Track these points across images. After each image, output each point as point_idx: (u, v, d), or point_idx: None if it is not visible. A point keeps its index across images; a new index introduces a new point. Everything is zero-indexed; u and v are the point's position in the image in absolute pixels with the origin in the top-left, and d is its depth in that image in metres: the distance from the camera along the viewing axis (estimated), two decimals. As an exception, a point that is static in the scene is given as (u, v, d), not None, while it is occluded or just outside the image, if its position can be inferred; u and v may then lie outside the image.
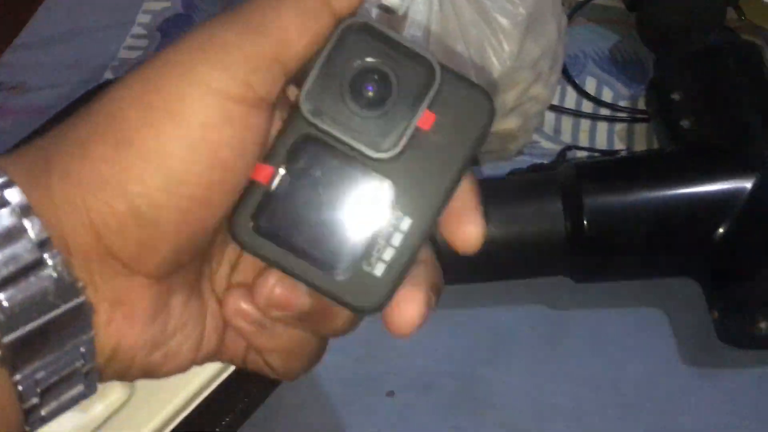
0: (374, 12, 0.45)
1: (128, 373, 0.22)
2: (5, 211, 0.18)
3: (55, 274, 0.19)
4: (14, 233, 0.18)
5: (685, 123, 0.46)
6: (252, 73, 0.20)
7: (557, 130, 0.55)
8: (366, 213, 0.22)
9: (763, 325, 0.41)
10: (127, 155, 0.20)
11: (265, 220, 0.22)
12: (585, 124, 0.55)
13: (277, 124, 0.22)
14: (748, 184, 0.41)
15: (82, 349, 0.20)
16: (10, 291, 0.18)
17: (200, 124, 0.20)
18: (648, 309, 0.46)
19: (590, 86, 0.57)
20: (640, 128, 0.54)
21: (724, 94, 0.45)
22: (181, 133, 0.20)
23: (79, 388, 0.20)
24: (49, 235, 0.19)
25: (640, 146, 0.53)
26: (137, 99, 0.20)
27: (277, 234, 0.22)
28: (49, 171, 0.19)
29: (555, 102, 0.55)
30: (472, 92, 0.23)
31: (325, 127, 0.22)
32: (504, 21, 0.47)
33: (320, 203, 0.22)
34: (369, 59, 0.22)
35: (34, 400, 0.19)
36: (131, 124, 0.20)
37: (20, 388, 0.19)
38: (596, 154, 0.53)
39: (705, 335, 0.43)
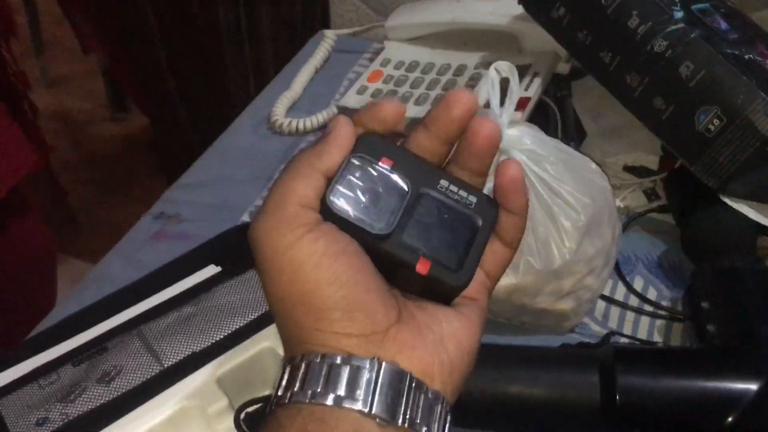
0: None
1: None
2: None
3: None
4: None
5: (710, 328, 0.55)
6: (297, 220, 0.30)
7: (605, 317, 0.64)
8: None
9: None
10: None
11: (451, 260, 0.32)
12: (630, 315, 0.64)
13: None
14: (754, 386, 0.49)
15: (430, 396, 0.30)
16: None
17: (309, 254, 0.30)
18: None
19: (638, 284, 0.67)
20: (677, 326, 0.63)
21: (743, 309, 0.54)
22: (306, 271, 0.30)
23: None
24: None
25: (675, 342, 0.62)
26: (277, 285, 0.31)
27: (459, 253, 0.32)
28: None
29: (606, 293, 0.66)
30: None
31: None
32: (567, 224, 0.58)
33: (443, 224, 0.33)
34: (369, 179, 0.32)
35: None
36: (286, 296, 0.31)
37: None
38: (636, 343, 0.62)
39: None
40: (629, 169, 0.75)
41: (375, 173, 0.32)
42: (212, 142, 0.84)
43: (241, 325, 0.58)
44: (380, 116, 0.33)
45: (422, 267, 0.31)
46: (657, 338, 0.62)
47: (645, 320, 0.64)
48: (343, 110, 0.82)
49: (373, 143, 0.32)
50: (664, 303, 0.65)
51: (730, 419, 0.49)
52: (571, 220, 0.58)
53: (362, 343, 0.30)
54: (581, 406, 0.52)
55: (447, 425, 0.31)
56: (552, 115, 0.76)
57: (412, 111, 0.77)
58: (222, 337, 0.58)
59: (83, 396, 0.55)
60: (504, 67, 0.61)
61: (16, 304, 1.06)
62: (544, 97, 0.76)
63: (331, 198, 0.31)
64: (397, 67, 0.83)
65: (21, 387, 0.56)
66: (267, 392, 0.53)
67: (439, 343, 0.31)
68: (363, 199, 0.31)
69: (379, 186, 0.32)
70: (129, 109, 2.20)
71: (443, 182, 0.33)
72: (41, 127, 1.07)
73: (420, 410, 0.29)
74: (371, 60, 0.89)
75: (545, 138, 0.62)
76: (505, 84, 0.61)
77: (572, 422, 0.52)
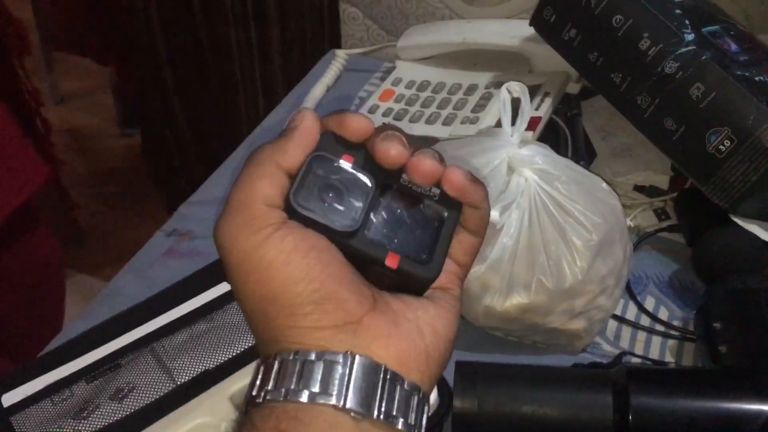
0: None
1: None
2: None
3: None
4: None
5: (722, 348, 0.55)
6: (264, 219, 0.30)
7: (617, 337, 0.64)
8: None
9: None
10: None
11: (420, 252, 0.32)
12: (642, 335, 0.64)
13: None
14: (767, 407, 0.49)
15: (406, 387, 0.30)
16: None
17: (278, 253, 0.30)
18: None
19: (649, 304, 0.67)
20: (689, 346, 0.63)
21: (756, 330, 0.54)
22: (276, 269, 0.29)
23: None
24: None
25: (687, 362, 0.62)
26: (248, 285, 0.31)
27: (427, 246, 0.32)
28: None
29: (618, 313, 0.66)
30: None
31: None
32: (579, 243, 0.59)
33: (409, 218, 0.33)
34: (331, 177, 0.32)
35: None
36: (257, 297, 0.31)
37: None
38: (648, 363, 0.62)
39: None
40: (639, 188, 0.75)
41: (337, 171, 0.32)
42: (215, 159, 0.85)
43: (254, 342, 0.59)
44: (349, 128, 0.32)
45: (391, 261, 0.31)
46: (669, 358, 0.62)
47: (657, 340, 0.64)
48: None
49: (335, 141, 0.32)
50: (676, 323, 0.65)
51: (744, 440, 0.49)
52: (582, 240, 0.58)
53: (335, 334, 0.30)
54: (594, 427, 0.52)
55: (424, 415, 0.31)
56: (562, 135, 0.77)
57: (423, 130, 0.78)
58: (235, 354, 0.58)
59: (96, 413, 0.55)
60: (515, 88, 0.62)
61: (24, 318, 1.06)
62: (554, 117, 0.77)
63: (295, 198, 0.31)
64: (408, 86, 0.84)
65: (34, 403, 0.56)
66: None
67: (415, 331, 0.31)
68: (327, 197, 0.31)
69: (342, 183, 0.32)
70: (138, 125, 2.21)
71: (405, 176, 0.32)
72: (54, 143, 1.08)
73: (396, 402, 0.29)
74: (382, 79, 0.90)
75: (556, 157, 0.63)
76: (516, 104, 0.62)
77: (585, 443, 0.52)
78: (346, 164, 0.32)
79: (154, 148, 1.58)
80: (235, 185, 0.32)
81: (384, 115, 0.80)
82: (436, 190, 0.32)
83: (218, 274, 0.67)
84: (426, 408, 0.31)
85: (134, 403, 0.55)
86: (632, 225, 0.72)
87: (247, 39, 1.24)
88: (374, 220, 0.32)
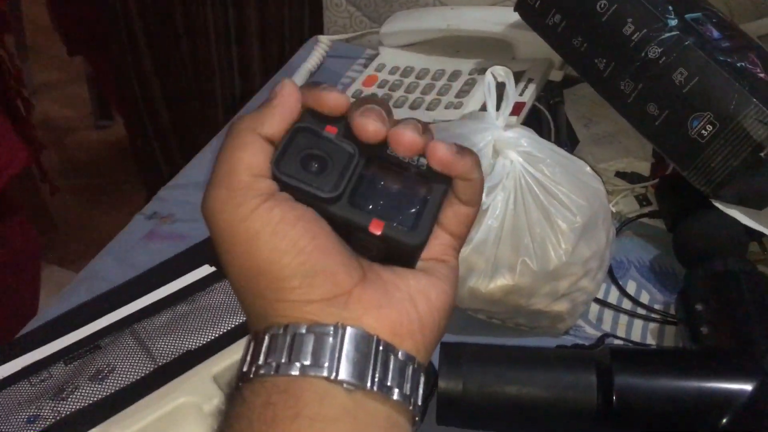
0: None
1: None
2: None
3: None
4: None
5: (704, 329, 0.56)
6: (250, 189, 0.30)
7: (599, 320, 0.65)
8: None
9: None
10: None
11: (406, 220, 0.32)
12: (623, 318, 0.65)
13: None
14: (749, 386, 0.49)
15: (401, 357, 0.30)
16: None
17: (265, 224, 0.29)
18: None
19: (631, 288, 0.67)
20: (670, 329, 0.64)
21: (736, 311, 0.55)
22: (264, 241, 0.29)
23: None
24: None
25: (668, 345, 0.63)
26: (234, 258, 0.30)
27: (414, 214, 0.32)
28: None
29: (600, 296, 0.66)
30: None
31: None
32: (563, 225, 0.59)
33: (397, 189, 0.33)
34: (315, 146, 0.31)
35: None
36: (244, 269, 0.30)
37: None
38: (630, 345, 0.62)
39: None
40: (621, 175, 0.75)
41: (321, 140, 0.31)
42: (194, 146, 0.84)
43: (237, 323, 0.58)
44: (325, 105, 0.32)
45: (375, 227, 0.31)
46: (650, 341, 0.63)
47: (638, 323, 0.64)
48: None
49: (318, 113, 0.32)
50: (657, 306, 0.65)
51: (725, 420, 0.49)
52: (567, 222, 0.59)
53: (325, 307, 0.29)
54: (578, 407, 0.52)
55: (420, 386, 0.30)
56: (545, 122, 0.77)
57: (407, 115, 0.77)
58: (218, 335, 0.57)
59: (75, 394, 0.54)
60: (500, 72, 0.62)
61: (-1, 304, 1.04)
62: (537, 104, 0.77)
63: (278, 165, 0.31)
64: (392, 72, 0.84)
65: (11, 384, 0.55)
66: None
67: (408, 301, 0.30)
68: (310, 165, 0.31)
69: (327, 152, 0.31)
70: (113, 116, 2.18)
71: (389, 152, 0.32)
72: (35, 125, 1.06)
73: (390, 372, 0.29)
74: (365, 65, 0.90)
75: (541, 141, 0.63)
76: (500, 89, 0.62)
77: (569, 422, 0.52)
78: (329, 134, 0.32)
79: (135, 135, 1.56)
80: (218, 157, 0.31)
81: (367, 100, 0.80)
82: (423, 160, 0.32)
83: (201, 256, 0.66)
84: (421, 378, 0.30)
85: (114, 384, 0.54)
86: (614, 211, 0.72)
87: (225, 22, 1.23)
88: (359, 188, 0.32)
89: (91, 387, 0.54)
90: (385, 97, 0.80)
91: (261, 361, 0.28)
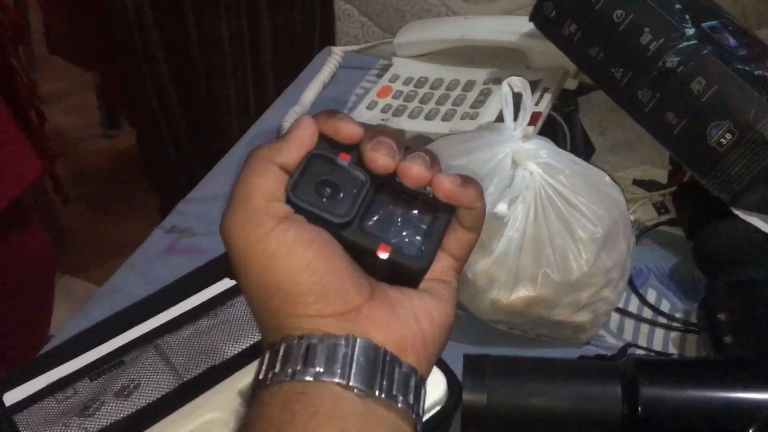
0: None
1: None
2: None
3: None
4: None
5: (727, 339, 0.56)
6: (266, 213, 0.32)
7: (620, 329, 0.65)
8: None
9: None
10: None
11: (412, 245, 0.34)
12: (644, 327, 0.65)
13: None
14: (776, 396, 0.50)
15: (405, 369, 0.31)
16: None
17: (280, 244, 0.31)
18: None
19: (651, 296, 0.67)
20: (691, 338, 0.64)
21: (760, 320, 0.55)
22: (279, 261, 0.31)
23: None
24: None
25: (690, 353, 0.62)
26: (252, 278, 0.32)
27: (420, 239, 0.34)
28: None
29: (621, 305, 0.66)
30: None
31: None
32: (584, 236, 0.59)
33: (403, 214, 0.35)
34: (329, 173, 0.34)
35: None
36: (261, 286, 0.32)
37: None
38: (652, 354, 0.62)
39: None
40: (638, 183, 0.76)
41: (335, 167, 0.34)
42: (210, 153, 0.84)
43: (260, 337, 0.58)
44: (340, 134, 0.34)
45: (383, 252, 0.33)
46: (672, 350, 0.63)
47: (659, 332, 0.64)
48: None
49: (333, 141, 0.34)
50: (678, 315, 0.65)
51: (751, 430, 0.49)
52: (588, 232, 0.59)
53: (337, 321, 0.31)
54: (604, 418, 0.52)
55: (421, 397, 0.32)
56: (560, 131, 0.77)
57: (423, 125, 0.78)
58: (241, 349, 0.57)
59: (102, 410, 0.54)
60: (517, 83, 0.62)
61: (13, 317, 1.04)
62: (552, 113, 0.77)
63: (294, 190, 0.33)
64: (406, 82, 0.84)
65: (37, 402, 0.55)
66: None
67: (412, 318, 0.33)
68: (324, 191, 0.33)
69: (339, 179, 0.33)
70: (121, 126, 2.19)
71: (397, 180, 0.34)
72: (48, 137, 1.07)
73: (395, 382, 0.31)
74: (379, 76, 0.90)
75: (560, 151, 0.63)
76: (517, 99, 0.62)
77: (595, 434, 0.52)
78: (343, 162, 0.34)
79: (149, 146, 1.56)
80: (236, 183, 0.33)
81: (383, 111, 0.80)
82: (429, 189, 0.34)
83: (220, 270, 0.66)
84: (423, 390, 0.33)
85: (140, 400, 0.54)
86: (632, 219, 0.72)
87: (239, 31, 1.23)
88: (369, 214, 0.34)
89: (117, 403, 0.54)
90: (400, 108, 0.80)
91: (278, 368, 0.31)
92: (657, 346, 0.63)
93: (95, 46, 1.57)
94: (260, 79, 1.28)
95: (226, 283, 0.65)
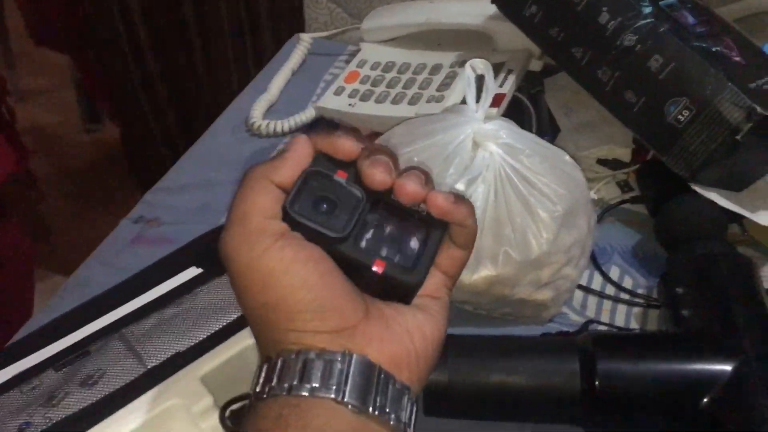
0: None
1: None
2: None
3: None
4: None
5: (685, 312, 0.56)
6: (264, 231, 0.33)
7: (583, 306, 0.66)
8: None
9: (740, 486, 0.49)
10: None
11: (405, 261, 0.35)
12: (607, 304, 0.65)
13: None
14: (729, 367, 0.50)
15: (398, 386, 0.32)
16: None
17: (278, 262, 0.32)
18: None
19: (614, 273, 0.68)
20: (653, 313, 0.64)
21: (717, 294, 0.55)
22: (277, 278, 0.32)
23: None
24: None
25: (652, 328, 0.63)
26: (249, 294, 0.33)
27: (412, 255, 0.35)
28: None
29: (583, 283, 0.67)
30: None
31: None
32: (544, 214, 0.59)
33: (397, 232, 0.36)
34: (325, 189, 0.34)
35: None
36: (259, 303, 0.33)
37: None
38: (614, 330, 0.63)
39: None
40: (602, 162, 0.76)
41: (332, 184, 0.34)
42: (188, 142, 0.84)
43: (225, 324, 0.59)
44: (338, 150, 0.35)
45: (378, 267, 0.34)
46: (634, 325, 0.64)
47: (622, 308, 0.65)
48: (322, 111, 0.82)
49: (330, 159, 0.35)
50: (640, 291, 0.66)
51: (706, 400, 0.50)
52: (547, 211, 0.59)
53: (334, 338, 0.32)
54: (562, 393, 0.52)
55: (413, 415, 0.33)
56: (526, 112, 0.78)
57: (390, 110, 0.78)
58: (205, 336, 0.58)
59: (66, 400, 0.54)
60: (479, 65, 0.62)
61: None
62: (518, 94, 0.77)
63: (291, 205, 0.33)
64: (373, 67, 0.84)
65: (2, 393, 0.56)
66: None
67: (405, 334, 0.33)
68: (320, 207, 0.34)
69: (336, 195, 0.34)
70: (102, 121, 2.18)
71: (392, 200, 0.35)
72: (20, 132, 1.06)
73: (389, 399, 0.32)
74: (347, 62, 0.90)
75: (521, 132, 0.63)
76: (480, 81, 0.62)
77: (554, 409, 0.53)
78: (340, 179, 0.35)
79: (134, 139, 1.55)
80: (234, 201, 0.34)
81: (350, 96, 0.80)
82: (424, 206, 0.35)
83: (187, 259, 0.66)
84: (415, 408, 0.33)
85: (105, 389, 0.55)
86: (596, 197, 0.73)
87: (237, 13, 1.22)
88: (365, 230, 0.35)
89: (81, 393, 0.55)
90: (367, 93, 0.80)
91: (274, 382, 0.31)
92: (619, 322, 0.64)
93: (75, 28, 1.55)
94: (222, 66, 1.27)
95: (192, 272, 0.65)
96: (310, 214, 0.34)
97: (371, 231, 0.35)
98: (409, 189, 0.34)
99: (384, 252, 0.34)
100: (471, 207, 0.36)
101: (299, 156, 0.34)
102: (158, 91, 1.44)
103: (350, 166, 0.35)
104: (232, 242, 0.33)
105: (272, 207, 0.33)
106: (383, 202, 0.35)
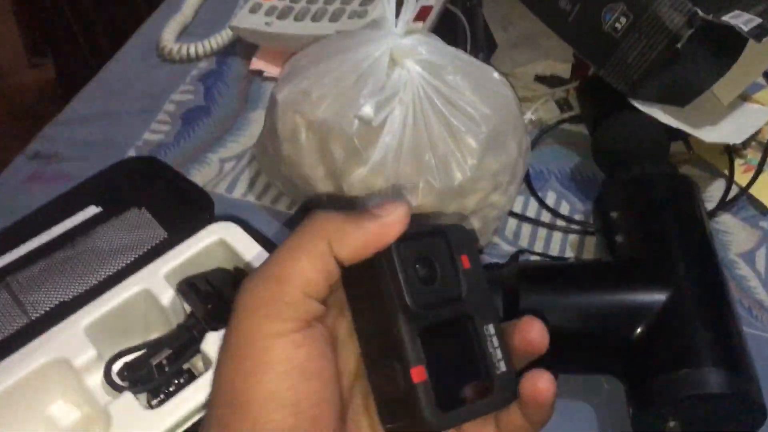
0: (355, 123, 0.53)
1: None
2: None
3: None
4: None
5: (619, 238, 0.52)
6: (295, 311, 0.27)
7: (517, 235, 0.61)
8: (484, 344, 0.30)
9: (671, 423, 0.45)
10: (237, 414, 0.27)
11: (443, 400, 0.28)
12: (542, 232, 0.61)
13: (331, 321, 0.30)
14: (662, 296, 0.46)
15: None
16: None
17: (283, 359, 0.27)
18: (575, 403, 0.51)
19: (550, 199, 0.63)
20: (590, 240, 0.60)
21: (652, 218, 0.51)
22: (271, 377, 0.26)
23: None
24: None
25: (588, 256, 0.59)
26: (234, 365, 0.27)
27: (455, 402, 0.29)
28: None
29: (518, 210, 0.62)
30: (465, 232, 0.31)
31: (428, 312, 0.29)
32: (468, 138, 0.54)
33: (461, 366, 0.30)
34: (418, 266, 0.29)
35: None
36: (235, 387, 0.27)
37: None
38: (547, 259, 0.59)
39: (628, 430, 0.47)
40: (540, 79, 0.70)
41: (448, 263, 0.30)
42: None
43: (118, 269, 0.53)
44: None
45: (417, 375, 0.28)
46: (569, 254, 0.60)
47: (557, 236, 0.61)
48: (237, 31, 0.75)
49: (464, 237, 0.31)
50: (577, 217, 0.62)
51: (639, 330, 0.46)
52: (471, 134, 0.54)
53: None
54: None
55: None
56: (460, 27, 0.71)
57: (309, 27, 0.71)
58: (96, 283, 0.52)
59: (-57, 356, 0.49)
60: (399, -27, 0.55)
61: None
62: (451, 7, 0.71)
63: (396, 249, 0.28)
64: (293, -19, 0.76)
65: None
66: (140, 341, 0.49)
67: None
68: (419, 272, 0.29)
69: (441, 277, 0.29)
70: (47, 54, 2.06)
71: (492, 328, 0.31)
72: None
73: None
74: (267, -23, 0.82)
75: (443, 47, 0.57)
76: (403, -7, 0.56)
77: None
78: (460, 264, 0.30)
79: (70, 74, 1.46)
80: (281, 248, 0.28)
81: (266, 14, 0.73)
82: (503, 366, 0.30)
83: (86, 197, 0.61)
84: None
85: (-16, 343, 0.50)
86: (533, 118, 0.68)
87: None
88: (437, 333, 0.29)
89: (-42, 348, 0.50)
90: (286, 10, 0.73)
91: None
92: (554, 250, 0.60)
93: None
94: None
95: (90, 210, 0.60)
96: (404, 269, 0.28)
97: (442, 340, 0.29)
98: (536, 335, 0.31)
99: (434, 369, 0.28)
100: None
101: (389, 231, 0.28)
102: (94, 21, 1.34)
103: (478, 263, 0.31)
104: (254, 298, 0.27)
105: (320, 282, 0.28)
106: (475, 322, 0.30)
